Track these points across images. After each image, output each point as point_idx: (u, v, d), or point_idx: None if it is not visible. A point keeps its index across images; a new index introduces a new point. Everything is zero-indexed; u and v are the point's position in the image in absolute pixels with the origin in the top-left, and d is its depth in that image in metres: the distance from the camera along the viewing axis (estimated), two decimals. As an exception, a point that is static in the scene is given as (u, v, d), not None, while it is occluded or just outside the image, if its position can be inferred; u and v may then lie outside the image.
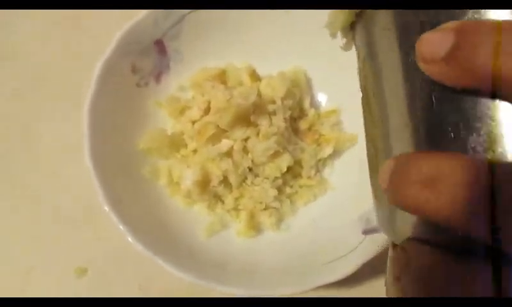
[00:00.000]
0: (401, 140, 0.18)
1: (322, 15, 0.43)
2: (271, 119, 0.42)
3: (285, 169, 0.41)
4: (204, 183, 0.40)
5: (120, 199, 0.37)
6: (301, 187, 0.42)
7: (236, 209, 0.41)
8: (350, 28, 0.22)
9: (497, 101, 0.15)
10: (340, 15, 0.22)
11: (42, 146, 0.45)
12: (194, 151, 0.42)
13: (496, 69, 0.14)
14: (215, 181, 0.40)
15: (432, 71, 0.16)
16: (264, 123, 0.41)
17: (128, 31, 0.40)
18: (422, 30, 0.16)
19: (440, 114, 0.16)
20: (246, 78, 0.45)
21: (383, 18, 0.19)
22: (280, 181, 0.41)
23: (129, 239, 0.35)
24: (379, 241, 0.36)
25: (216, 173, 0.40)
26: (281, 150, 0.41)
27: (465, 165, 0.15)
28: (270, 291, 0.35)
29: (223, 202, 0.42)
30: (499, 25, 0.14)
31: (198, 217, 0.41)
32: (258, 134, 0.41)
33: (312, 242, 0.40)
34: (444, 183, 0.15)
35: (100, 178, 0.36)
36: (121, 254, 0.41)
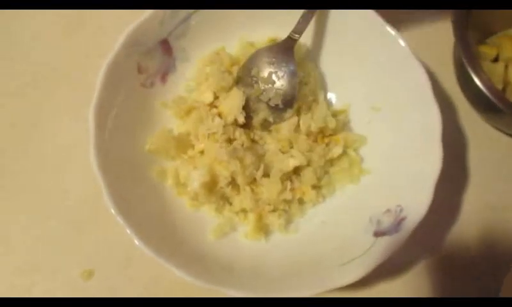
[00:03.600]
0: None
1: (331, 14, 0.43)
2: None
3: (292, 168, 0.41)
4: (212, 185, 0.39)
5: (126, 202, 0.36)
6: (309, 187, 0.41)
7: (244, 211, 0.41)
8: None
9: None
10: None
11: (47, 147, 0.44)
12: (201, 152, 0.41)
13: None
14: (222, 183, 0.39)
15: None
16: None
17: (133, 31, 0.40)
18: None
19: None
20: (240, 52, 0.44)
21: None
22: (288, 183, 0.41)
23: (136, 242, 0.35)
24: (391, 244, 0.36)
25: (223, 174, 0.39)
26: (293, 151, 0.41)
27: None
28: (279, 294, 0.34)
29: (230, 204, 0.41)
30: None
31: (205, 218, 0.41)
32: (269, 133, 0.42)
33: (322, 243, 0.39)
34: None
35: (106, 180, 0.36)
36: (127, 255, 0.40)
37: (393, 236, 0.36)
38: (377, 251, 0.36)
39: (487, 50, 0.46)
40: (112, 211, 0.35)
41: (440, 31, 0.47)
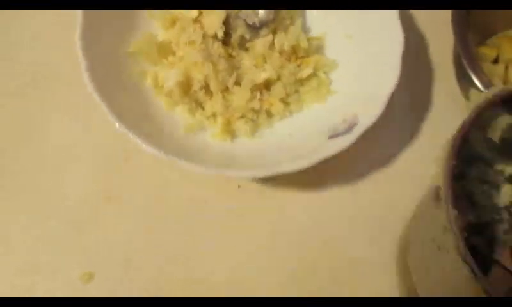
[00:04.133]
0: None
1: None
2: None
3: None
4: (186, 87, 0.43)
5: (109, 92, 0.39)
6: (277, 100, 0.44)
7: (214, 115, 0.44)
8: None
9: None
10: None
11: (47, 147, 0.45)
12: (181, 58, 0.44)
13: None
14: (196, 86, 0.42)
15: None
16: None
17: None
18: None
19: None
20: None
21: None
22: (257, 93, 0.44)
23: (116, 125, 0.38)
24: (341, 141, 0.39)
25: (197, 77, 0.42)
26: (266, 66, 0.44)
27: None
28: (244, 172, 0.39)
29: (203, 108, 0.44)
30: None
31: (179, 117, 0.44)
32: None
33: (283, 148, 0.42)
34: None
35: (88, 62, 0.39)
36: (127, 256, 0.41)
37: (344, 136, 0.40)
38: (329, 145, 0.39)
39: (487, 52, 0.46)
40: (96, 98, 0.38)
41: (440, 31, 0.47)
